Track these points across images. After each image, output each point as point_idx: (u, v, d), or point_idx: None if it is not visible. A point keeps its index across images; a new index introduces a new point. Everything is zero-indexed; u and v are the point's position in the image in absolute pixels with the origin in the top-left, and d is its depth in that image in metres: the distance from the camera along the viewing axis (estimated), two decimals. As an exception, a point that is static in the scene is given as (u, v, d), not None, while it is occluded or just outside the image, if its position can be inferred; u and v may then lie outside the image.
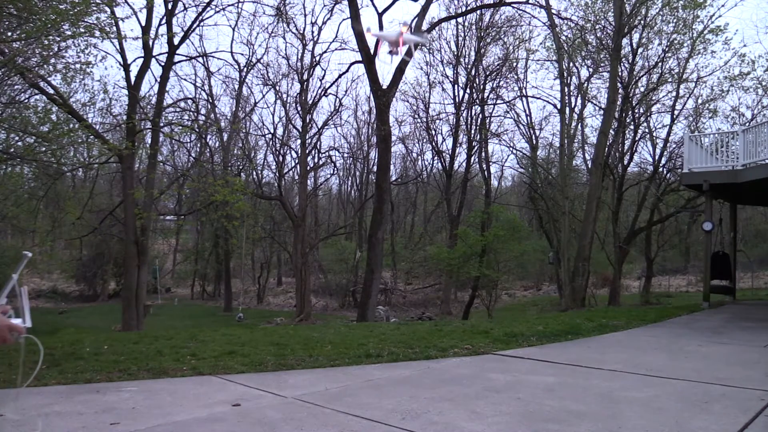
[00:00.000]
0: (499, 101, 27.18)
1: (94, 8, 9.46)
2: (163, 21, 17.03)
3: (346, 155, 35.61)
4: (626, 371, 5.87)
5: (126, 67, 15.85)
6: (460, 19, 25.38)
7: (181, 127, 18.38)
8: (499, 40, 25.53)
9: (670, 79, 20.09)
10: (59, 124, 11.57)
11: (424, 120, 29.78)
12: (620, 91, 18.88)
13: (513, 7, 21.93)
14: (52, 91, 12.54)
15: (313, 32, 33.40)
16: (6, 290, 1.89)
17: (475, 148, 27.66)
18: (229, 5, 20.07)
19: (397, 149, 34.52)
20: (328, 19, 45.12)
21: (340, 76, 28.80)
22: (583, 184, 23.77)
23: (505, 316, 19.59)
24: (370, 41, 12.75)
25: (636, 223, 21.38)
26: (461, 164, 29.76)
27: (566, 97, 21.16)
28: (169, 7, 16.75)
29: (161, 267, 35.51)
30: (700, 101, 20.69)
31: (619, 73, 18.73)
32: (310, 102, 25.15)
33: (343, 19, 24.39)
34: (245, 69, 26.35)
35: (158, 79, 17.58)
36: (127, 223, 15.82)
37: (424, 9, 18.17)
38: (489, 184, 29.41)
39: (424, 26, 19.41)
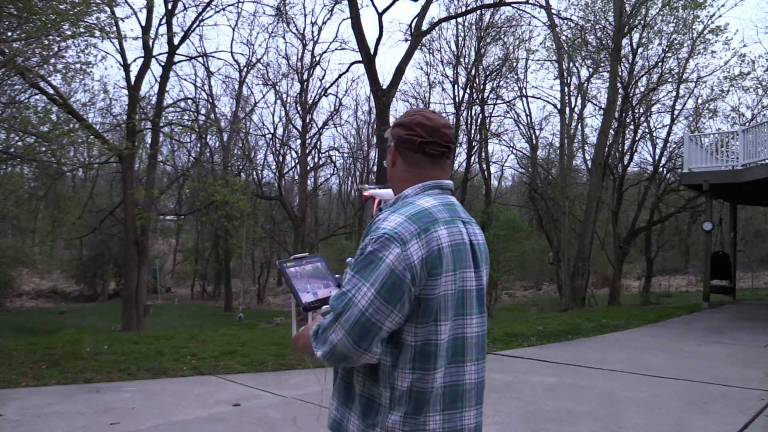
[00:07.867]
0: (499, 101, 27.13)
1: (94, 8, 9.45)
2: (163, 21, 17.02)
3: (346, 155, 35.61)
4: (626, 371, 5.87)
5: (126, 67, 15.83)
6: (460, 19, 25.33)
7: (181, 127, 18.34)
8: (499, 40, 25.49)
9: (670, 79, 20.08)
10: (59, 124, 11.57)
11: (424, 120, 29.66)
12: (620, 91, 18.86)
13: (513, 7, 21.87)
14: (52, 91, 12.51)
15: (313, 32, 33.40)
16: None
17: (475, 148, 27.62)
18: (229, 5, 20.07)
19: (397, 149, 34.38)
20: (328, 19, 45.20)
21: (340, 76, 28.78)
22: (583, 184, 23.73)
23: (505, 316, 19.56)
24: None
25: (636, 223, 21.36)
26: (461, 164, 29.68)
27: (566, 97, 21.14)
28: (169, 7, 16.73)
29: (161, 267, 35.48)
30: (700, 101, 20.71)
31: (619, 73, 18.70)
32: (310, 102, 25.13)
33: (343, 19, 24.37)
34: (245, 69, 26.34)
35: (158, 79, 17.57)
36: (127, 223, 15.80)
37: (424, 9, 18.16)
38: (489, 184, 29.37)
39: (424, 26, 19.40)
